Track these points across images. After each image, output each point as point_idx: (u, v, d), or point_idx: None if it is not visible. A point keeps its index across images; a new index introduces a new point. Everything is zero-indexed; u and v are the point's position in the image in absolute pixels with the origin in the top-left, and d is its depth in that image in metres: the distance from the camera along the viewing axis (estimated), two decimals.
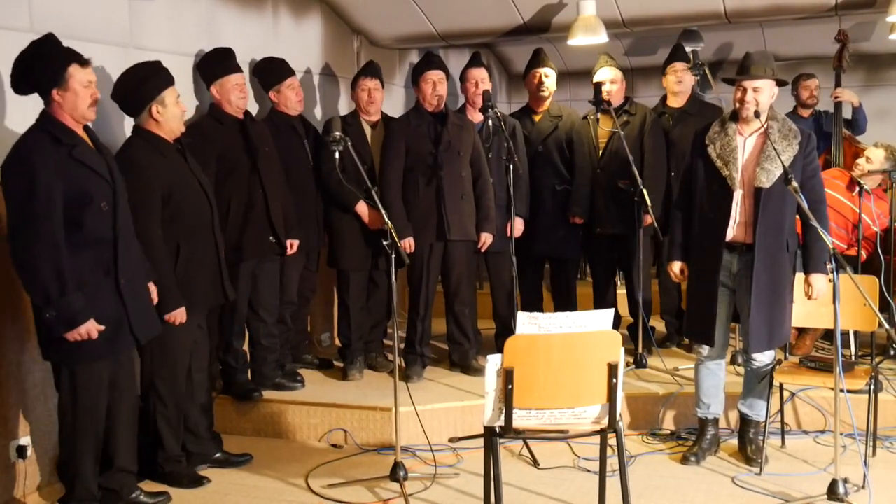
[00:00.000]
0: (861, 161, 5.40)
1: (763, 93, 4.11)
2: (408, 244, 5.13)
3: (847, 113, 6.32)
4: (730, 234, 4.17)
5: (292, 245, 5.10)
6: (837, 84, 6.25)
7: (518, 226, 5.42)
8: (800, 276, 4.25)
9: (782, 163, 3.91)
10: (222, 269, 4.27)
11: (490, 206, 5.36)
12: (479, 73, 5.54)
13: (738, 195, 4.12)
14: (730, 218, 4.12)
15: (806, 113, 6.49)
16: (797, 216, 4.16)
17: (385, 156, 5.28)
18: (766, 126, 4.06)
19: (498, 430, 3.36)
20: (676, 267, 4.42)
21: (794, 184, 3.74)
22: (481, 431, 3.47)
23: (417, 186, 5.22)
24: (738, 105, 4.14)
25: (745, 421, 4.51)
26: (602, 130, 5.71)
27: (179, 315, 4.08)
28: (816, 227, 3.73)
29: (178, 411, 4.30)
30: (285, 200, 5.07)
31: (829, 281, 3.84)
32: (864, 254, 5.31)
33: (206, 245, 4.19)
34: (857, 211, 5.19)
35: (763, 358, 4.32)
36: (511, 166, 4.92)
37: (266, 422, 5.04)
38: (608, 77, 5.72)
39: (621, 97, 5.78)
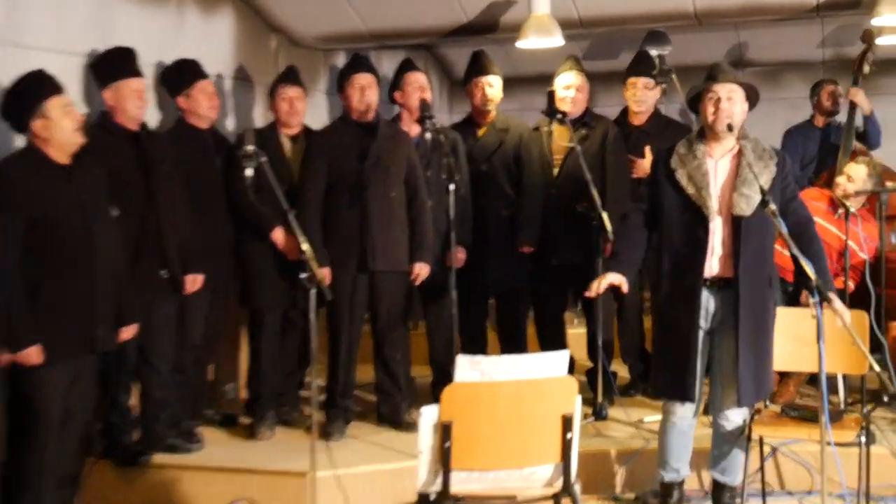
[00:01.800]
0: (841, 180, 5.46)
1: (737, 103, 4.15)
2: (323, 275, 5.04)
3: (860, 122, 6.41)
4: (707, 269, 4.19)
5: (195, 280, 4.99)
6: None
7: (459, 255, 5.36)
8: (791, 311, 4.28)
9: (760, 186, 3.95)
10: (94, 314, 4.17)
11: (426, 231, 5.29)
12: (420, 78, 5.55)
13: (714, 225, 4.14)
14: (707, 251, 4.15)
15: (821, 122, 6.65)
16: (782, 243, 4.28)
17: (303, 173, 5.23)
18: (739, 146, 4.14)
19: (434, 497, 3.32)
20: (609, 279, 4.29)
21: (773, 206, 3.80)
22: (414, 499, 3.40)
23: (339, 208, 5.15)
24: (711, 118, 4.15)
25: (718, 485, 4.48)
26: (557, 145, 5.69)
27: (33, 354, 3.98)
28: (804, 254, 3.80)
29: (42, 479, 4.13)
30: (186, 228, 4.95)
31: (812, 317, 3.87)
32: (851, 284, 5.28)
33: (79, 283, 4.12)
34: (843, 237, 5.20)
35: (738, 416, 4.31)
36: (452, 187, 4.88)
37: (156, 491, 4.87)
38: (572, 83, 5.71)
39: (583, 107, 5.78)
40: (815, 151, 6.49)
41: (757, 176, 4.02)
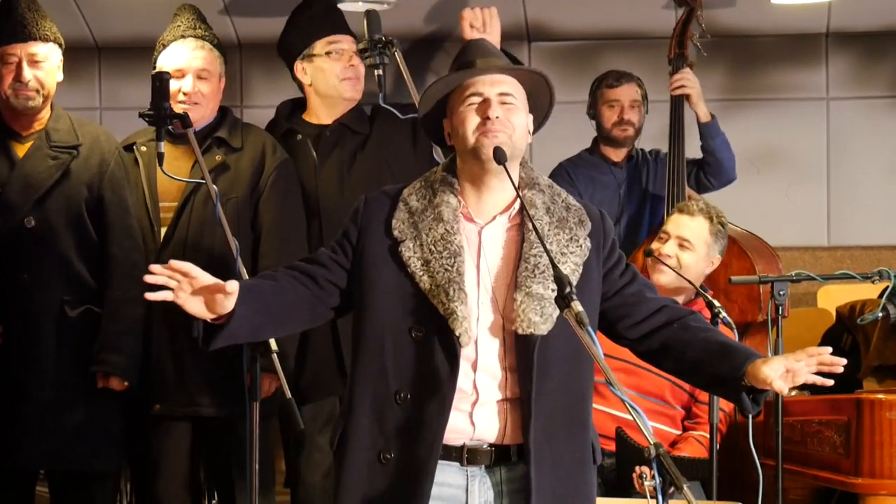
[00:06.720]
0: (669, 248, 4.12)
1: (517, 111, 3.08)
2: None
3: (694, 148, 4.91)
4: (461, 431, 3.14)
5: None
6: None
7: None
8: None
9: (561, 276, 2.96)
10: None
11: None
12: None
13: (472, 351, 3.15)
14: (450, 399, 3.11)
15: (619, 155, 5.13)
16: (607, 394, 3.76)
17: None
18: (520, 199, 3.14)
19: None
20: None
21: (578, 308, 2.78)
22: None
23: None
24: (471, 140, 3.11)
25: None
26: (168, 187, 4.24)
27: None
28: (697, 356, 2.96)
29: None
30: None
31: None
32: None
33: None
34: None
35: None
36: None
37: None
38: (194, 65, 4.25)
39: (212, 107, 4.28)
40: (613, 209, 4.86)
41: (554, 257, 3.14)
